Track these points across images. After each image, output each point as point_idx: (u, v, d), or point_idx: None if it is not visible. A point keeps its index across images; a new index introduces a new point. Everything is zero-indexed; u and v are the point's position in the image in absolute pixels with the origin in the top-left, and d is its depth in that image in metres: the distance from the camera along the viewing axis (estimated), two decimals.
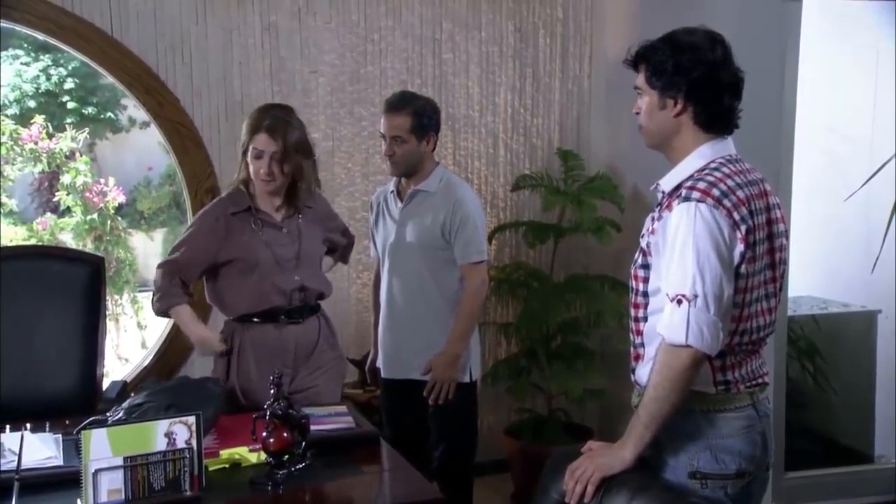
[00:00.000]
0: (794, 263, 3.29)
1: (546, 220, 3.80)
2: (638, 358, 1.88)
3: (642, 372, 1.83)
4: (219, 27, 3.52)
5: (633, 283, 1.87)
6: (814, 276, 3.89)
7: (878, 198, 2.82)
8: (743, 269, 1.74)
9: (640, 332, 1.86)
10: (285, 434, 2.02)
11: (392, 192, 2.96)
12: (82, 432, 1.82)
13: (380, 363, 3.01)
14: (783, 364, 3.30)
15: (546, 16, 3.97)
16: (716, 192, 1.71)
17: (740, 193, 1.74)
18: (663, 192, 1.84)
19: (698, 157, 1.80)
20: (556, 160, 3.83)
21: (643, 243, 1.84)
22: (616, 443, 1.78)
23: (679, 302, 1.68)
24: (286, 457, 2.02)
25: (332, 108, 3.70)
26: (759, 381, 1.86)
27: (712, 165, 1.78)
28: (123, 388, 2.93)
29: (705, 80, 1.76)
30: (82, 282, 2.81)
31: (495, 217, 3.97)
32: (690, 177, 1.78)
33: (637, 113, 1.86)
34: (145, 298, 5.86)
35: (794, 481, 3.39)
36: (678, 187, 1.78)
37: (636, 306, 1.87)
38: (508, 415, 3.93)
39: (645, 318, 1.84)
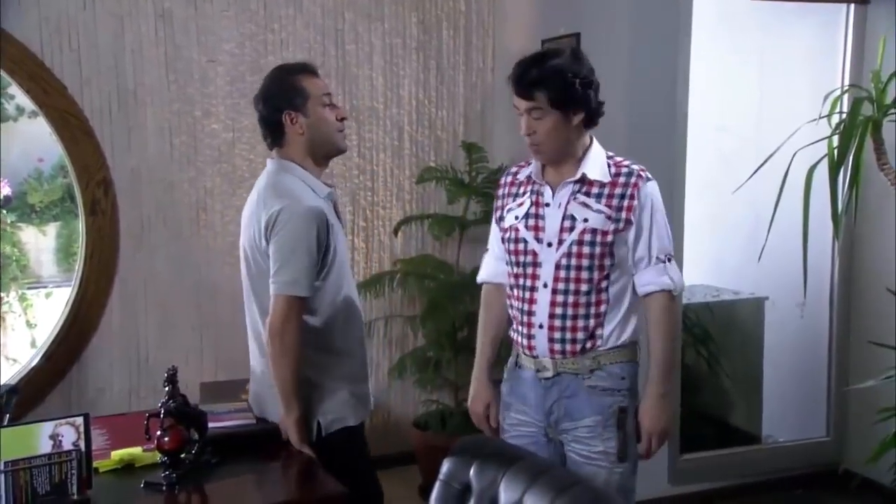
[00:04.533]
0: (689, 254, 3.42)
1: (451, 212, 3.83)
2: (599, 326, 2.05)
3: (609, 329, 2.06)
4: (108, 13, 3.38)
5: (598, 261, 2.02)
6: (707, 266, 4.05)
7: (764, 191, 2.97)
8: None
9: (602, 303, 2.05)
10: (181, 432, 1.96)
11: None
12: None
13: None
14: (679, 350, 3.42)
15: (449, 8, 3.98)
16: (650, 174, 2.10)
17: None
18: (592, 180, 2.05)
19: (597, 146, 2.12)
20: (461, 152, 3.86)
21: (610, 228, 2.01)
22: (652, 406, 2.07)
23: (669, 259, 2.08)
24: (182, 455, 1.97)
25: (233, 98, 3.61)
26: None
27: (611, 153, 2.13)
28: (12, 393, 2.79)
29: (595, 90, 2.04)
30: None
31: (401, 209, 3.97)
32: (609, 164, 2.08)
33: (530, 134, 2.04)
34: (35, 295, 5.59)
35: (688, 463, 3.52)
36: (618, 173, 2.06)
37: (599, 281, 2.04)
38: (416, 407, 3.95)
39: (608, 289, 2.06)
